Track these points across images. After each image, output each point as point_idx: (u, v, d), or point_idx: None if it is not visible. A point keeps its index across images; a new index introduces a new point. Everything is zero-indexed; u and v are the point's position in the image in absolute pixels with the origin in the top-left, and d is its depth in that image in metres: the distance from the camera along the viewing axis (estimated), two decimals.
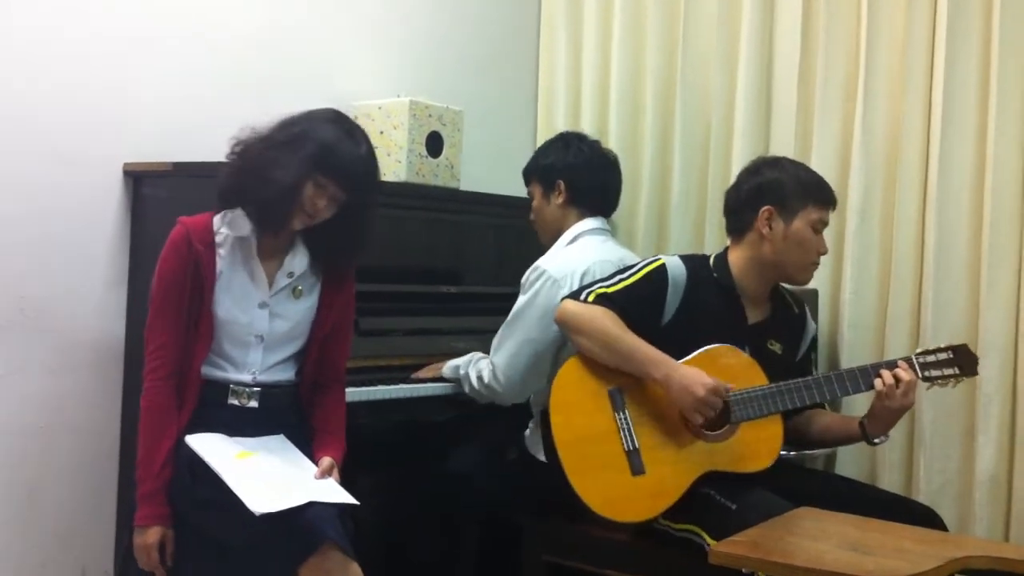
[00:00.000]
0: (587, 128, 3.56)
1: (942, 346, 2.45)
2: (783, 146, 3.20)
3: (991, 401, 2.85)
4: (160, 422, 2.20)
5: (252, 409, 2.28)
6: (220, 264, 2.25)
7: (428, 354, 2.86)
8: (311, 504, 2.04)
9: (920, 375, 2.42)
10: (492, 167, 3.57)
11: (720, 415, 2.42)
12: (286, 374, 2.34)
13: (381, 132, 3.07)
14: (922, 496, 2.90)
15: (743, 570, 2.04)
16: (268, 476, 2.13)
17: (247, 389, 2.27)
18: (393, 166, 3.06)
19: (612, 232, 2.92)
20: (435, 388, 2.78)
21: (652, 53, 3.53)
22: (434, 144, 3.13)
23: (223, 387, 2.27)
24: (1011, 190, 2.87)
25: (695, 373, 2.37)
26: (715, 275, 2.54)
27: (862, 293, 3.08)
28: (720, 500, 2.34)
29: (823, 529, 2.05)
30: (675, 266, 2.52)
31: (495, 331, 2.74)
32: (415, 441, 2.87)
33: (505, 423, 2.83)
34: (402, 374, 2.77)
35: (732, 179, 3.06)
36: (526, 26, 3.82)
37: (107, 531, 2.75)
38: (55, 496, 2.67)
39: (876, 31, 3.07)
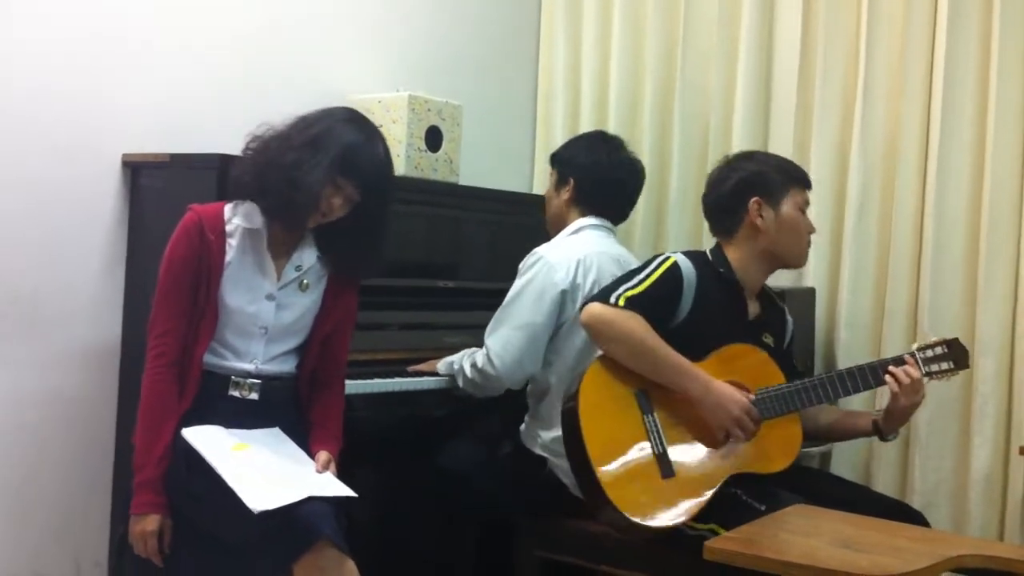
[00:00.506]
0: (585, 124, 3.57)
1: (936, 340, 2.47)
2: (782, 145, 3.20)
3: (987, 400, 2.85)
4: (161, 409, 2.20)
5: (252, 401, 2.28)
6: (229, 254, 2.25)
7: (424, 348, 2.86)
8: (306, 501, 2.03)
9: (923, 370, 2.44)
10: (491, 162, 3.57)
11: None
12: (287, 366, 2.34)
13: (380, 126, 3.02)
14: (917, 495, 2.91)
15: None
16: (265, 470, 2.13)
17: (248, 380, 2.28)
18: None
19: (612, 231, 2.91)
20: (431, 382, 2.77)
21: (652, 50, 3.53)
22: (433, 138, 3.13)
23: (224, 378, 2.27)
24: (1009, 190, 2.87)
25: (730, 392, 2.38)
26: (720, 270, 2.54)
27: (859, 291, 3.09)
28: (747, 500, 2.33)
29: (817, 526, 2.05)
30: (686, 264, 2.51)
31: None
32: (410, 436, 2.87)
33: (500, 417, 2.83)
34: (398, 368, 2.77)
35: None
36: (526, 22, 3.82)
37: (101, 524, 2.75)
38: (49, 489, 2.66)
39: (876, 30, 3.07)
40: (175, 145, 2.70)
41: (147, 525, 2.15)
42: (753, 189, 2.53)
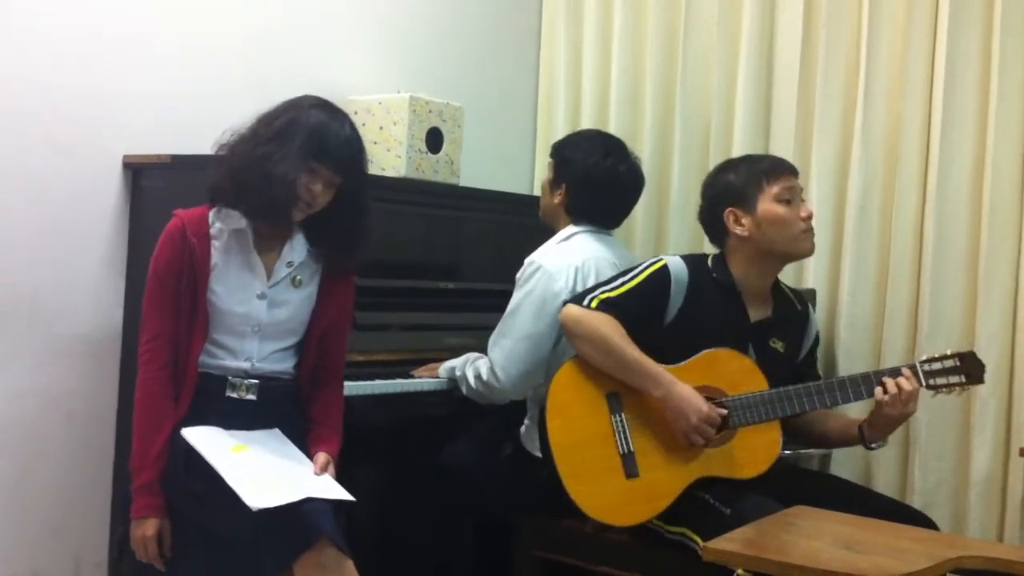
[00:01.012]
0: (586, 125, 3.56)
1: (948, 353, 2.42)
2: (783, 146, 3.20)
3: (987, 401, 2.85)
4: (155, 413, 2.21)
5: (250, 402, 2.28)
6: (215, 256, 2.26)
7: (425, 349, 2.87)
8: (306, 500, 2.04)
9: (924, 383, 2.40)
10: (492, 163, 3.57)
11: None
12: (284, 365, 2.34)
13: (381, 128, 3.07)
14: (917, 496, 2.91)
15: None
16: (264, 471, 2.13)
17: (245, 381, 2.28)
18: (393, 161, 3.06)
19: (608, 234, 2.90)
20: (431, 383, 2.78)
21: (652, 51, 3.53)
22: (434, 140, 3.13)
23: (221, 379, 2.27)
24: (1010, 190, 2.87)
25: (691, 397, 2.37)
26: (715, 275, 2.54)
27: (860, 293, 3.08)
28: (715, 504, 2.34)
29: (817, 527, 2.05)
30: (677, 266, 2.52)
31: (493, 327, 2.74)
32: (411, 436, 2.87)
33: (501, 418, 2.83)
34: (399, 369, 2.77)
35: None
36: (527, 23, 3.82)
37: (101, 522, 2.75)
38: (49, 487, 2.67)
39: (877, 29, 3.07)
40: (176, 146, 2.71)
41: (146, 530, 2.16)
42: (724, 201, 2.54)
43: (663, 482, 2.39)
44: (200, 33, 2.89)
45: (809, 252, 2.58)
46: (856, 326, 3.08)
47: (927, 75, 3.00)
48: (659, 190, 3.50)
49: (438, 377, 2.79)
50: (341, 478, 2.20)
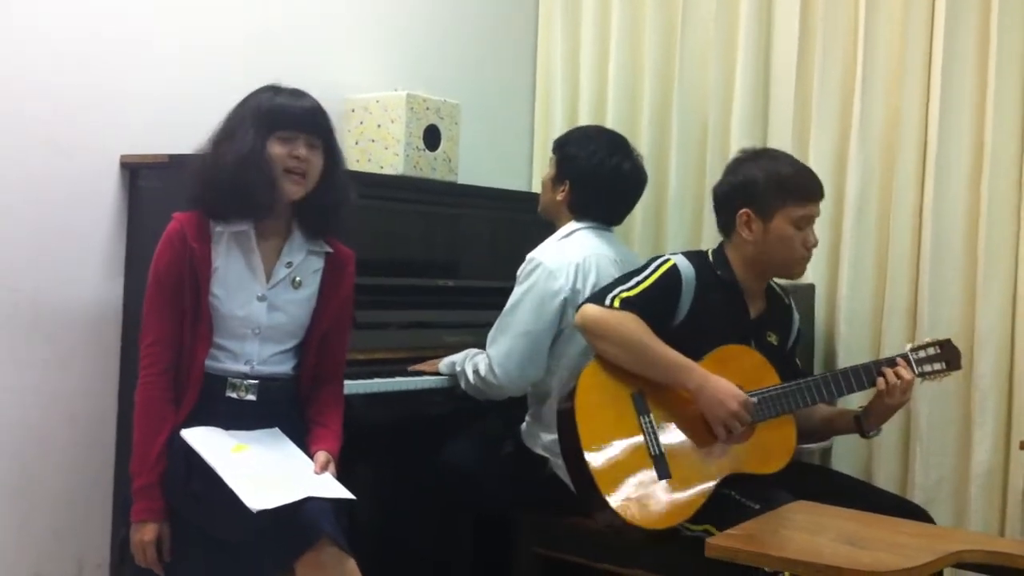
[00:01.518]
0: (583, 122, 3.55)
1: (929, 341, 2.50)
2: (780, 141, 3.20)
3: (987, 396, 2.85)
4: (155, 417, 2.20)
5: (250, 402, 2.28)
6: (216, 259, 2.25)
7: (424, 347, 2.86)
8: (307, 499, 2.03)
9: (916, 371, 2.47)
10: (490, 161, 3.57)
11: None
12: (284, 366, 2.33)
13: (379, 125, 3.07)
14: (918, 491, 2.91)
15: (765, 568, 2.03)
16: (264, 471, 2.13)
17: (245, 382, 2.27)
18: (390, 159, 3.05)
19: (609, 231, 2.90)
20: (431, 381, 2.77)
21: (650, 47, 3.53)
22: (431, 137, 3.13)
23: (221, 380, 2.27)
24: (1008, 185, 2.87)
25: (727, 386, 2.37)
26: (718, 272, 2.54)
27: (858, 288, 3.09)
28: (741, 500, 2.33)
29: (819, 523, 2.05)
30: (685, 265, 2.51)
31: (492, 325, 2.73)
32: (411, 434, 2.87)
33: (501, 416, 2.83)
34: (398, 367, 2.77)
35: None
36: (524, 20, 3.81)
37: (103, 524, 2.75)
38: (51, 489, 2.66)
39: (874, 25, 3.07)
40: (174, 146, 2.70)
41: (145, 535, 2.16)
42: (743, 200, 2.50)
43: (695, 481, 2.37)
44: (200, 33, 2.89)
45: (799, 276, 2.61)
46: (855, 321, 3.09)
47: (924, 69, 3.01)
48: (657, 185, 3.49)
49: (438, 372, 2.79)
50: (341, 477, 2.19)
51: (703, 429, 2.42)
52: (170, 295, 2.22)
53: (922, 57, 3.00)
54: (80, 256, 2.69)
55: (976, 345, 2.87)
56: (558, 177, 2.83)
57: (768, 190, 2.47)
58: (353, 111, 3.11)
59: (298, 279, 2.32)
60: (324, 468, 2.19)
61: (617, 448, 2.37)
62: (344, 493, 2.12)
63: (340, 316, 2.38)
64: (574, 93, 3.72)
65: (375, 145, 3.07)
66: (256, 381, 2.28)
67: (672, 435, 2.41)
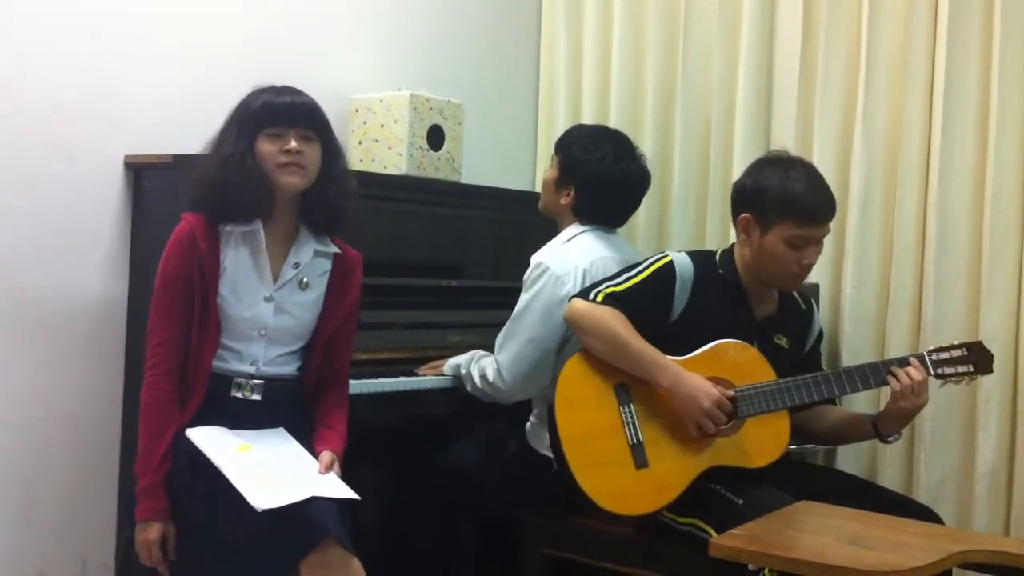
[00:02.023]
0: (587, 121, 3.54)
1: (956, 343, 2.44)
2: (784, 140, 3.19)
3: (991, 396, 2.84)
4: (160, 416, 2.21)
5: (255, 402, 2.28)
6: (224, 259, 2.25)
7: (428, 347, 2.86)
8: (312, 499, 2.04)
9: (932, 372, 2.42)
10: (493, 160, 3.57)
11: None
12: (289, 368, 2.34)
13: (382, 126, 3.07)
14: (922, 491, 2.90)
15: (749, 566, 2.03)
16: (269, 470, 2.13)
17: (250, 382, 2.28)
18: (394, 159, 3.06)
19: (613, 231, 2.89)
20: (436, 381, 2.78)
21: (653, 45, 3.53)
22: (435, 137, 3.13)
23: (227, 379, 2.27)
24: (1012, 183, 2.86)
25: (700, 384, 2.37)
26: (720, 272, 2.54)
27: (863, 287, 3.08)
28: (726, 495, 2.35)
29: (823, 523, 2.05)
30: (683, 263, 2.52)
31: (495, 325, 2.74)
32: (416, 435, 2.87)
33: (506, 417, 2.83)
34: (402, 368, 2.77)
35: (733, 173, 3.06)
36: (527, 20, 3.81)
37: (107, 524, 2.75)
38: (55, 489, 2.67)
39: (877, 22, 3.06)
40: (177, 146, 2.70)
41: (149, 534, 2.16)
42: (747, 203, 2.50)
43: (673, 472, 2.39)
44: (200, 33, 2.89)
45: (792, 290, 2.60)
46: (859, 320, 3.08)
47: (928, 66, 3.00)
48: (660, 184, 3.49)
49: (442, 375, 2.78)
50: (346, 477, 2.20)
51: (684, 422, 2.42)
52: (178, 296, 2.22)
53: (926, 54, 3.00)
54: (84, 256, 2.69)
55: None
56: (562, 180, 2.80)
57: (772, 202, 2.44)
58: (356, 111, 3.12)
59: (305, 280, 2.32)
60: (329, 468, 2.19)
61: (595, 437, 2.41)
62: (349, 493, 2.12)
63: (347, 320, 2.38)
64: (577, 92, 3.71)
65: (378, 145, 3.07)
66: (261, 381, 2.29)
67: (654, 427, 2.43)
